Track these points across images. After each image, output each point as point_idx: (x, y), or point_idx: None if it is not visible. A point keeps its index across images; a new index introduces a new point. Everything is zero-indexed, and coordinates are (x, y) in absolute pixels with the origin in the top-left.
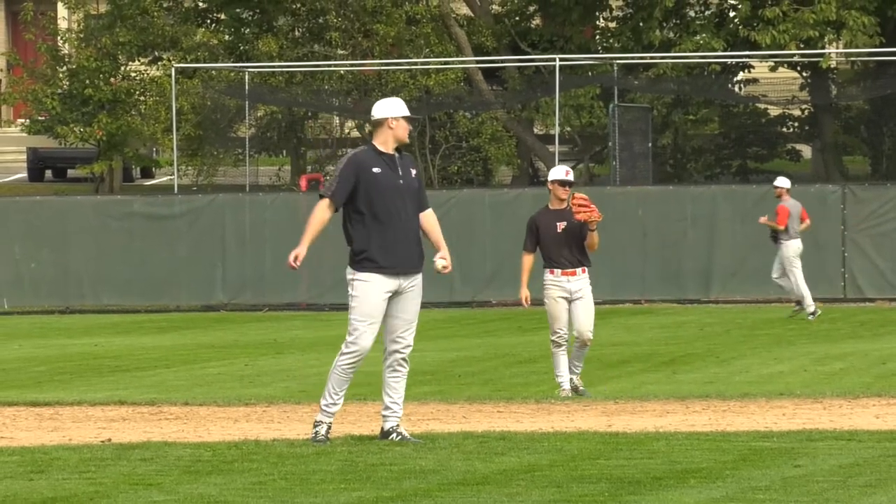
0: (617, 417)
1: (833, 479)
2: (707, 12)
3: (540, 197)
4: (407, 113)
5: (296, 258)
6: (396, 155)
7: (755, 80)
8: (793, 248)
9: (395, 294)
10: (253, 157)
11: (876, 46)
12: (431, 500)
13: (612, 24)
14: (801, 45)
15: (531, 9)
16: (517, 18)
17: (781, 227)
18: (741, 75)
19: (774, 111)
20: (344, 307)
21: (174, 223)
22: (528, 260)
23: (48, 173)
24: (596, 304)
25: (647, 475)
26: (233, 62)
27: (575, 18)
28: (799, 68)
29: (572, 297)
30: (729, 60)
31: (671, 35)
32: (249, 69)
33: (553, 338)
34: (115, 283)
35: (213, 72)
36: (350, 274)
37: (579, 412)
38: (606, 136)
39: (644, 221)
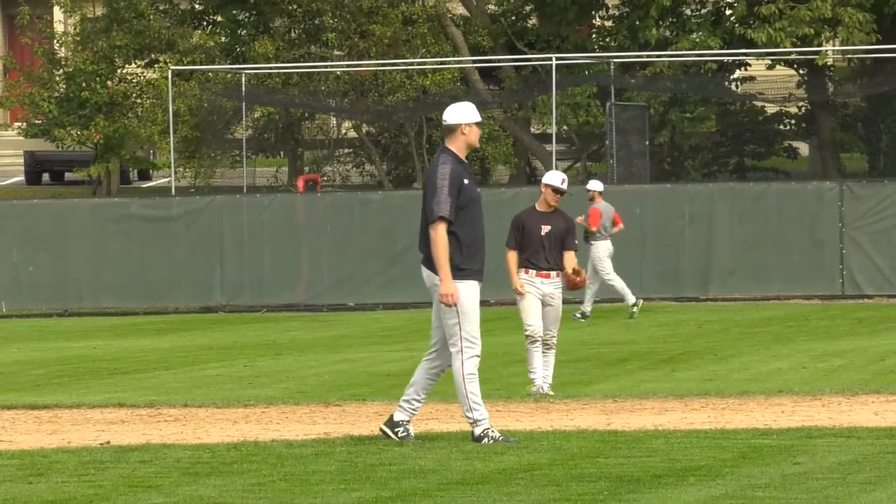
0: (616, 416)
1: (832, 477)
2: (703, 10)
3: (538, 196)
4: (479, 118)
5: (451, 296)
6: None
7: (752, 78)
8: (603, 248)
9: None
10: (250, 159)
11: (872, 43)
12: (431, 499)
13: (609, 23)
14: (798, 43)
15: (527, 8)
16: (513, 18)
17: (594, 229)
18: (738, 73)
19: (771, 109)
20: (342, 308)
21: (172, 225)
22: (512, 255)
23: (45, 176)
24: (595, 303)
25: (647, 473)
26: (229, 64)
27: (571, 17)
28: (795, 66)
29: (544, 300)
30: (725, 59)
31: (667, 33)
32: (246, 71)
33: (526, 332)
34: (114, 285)
35: (210, 74)
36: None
37: (578, 410)
38: (603, 134)
39: (642, 220)
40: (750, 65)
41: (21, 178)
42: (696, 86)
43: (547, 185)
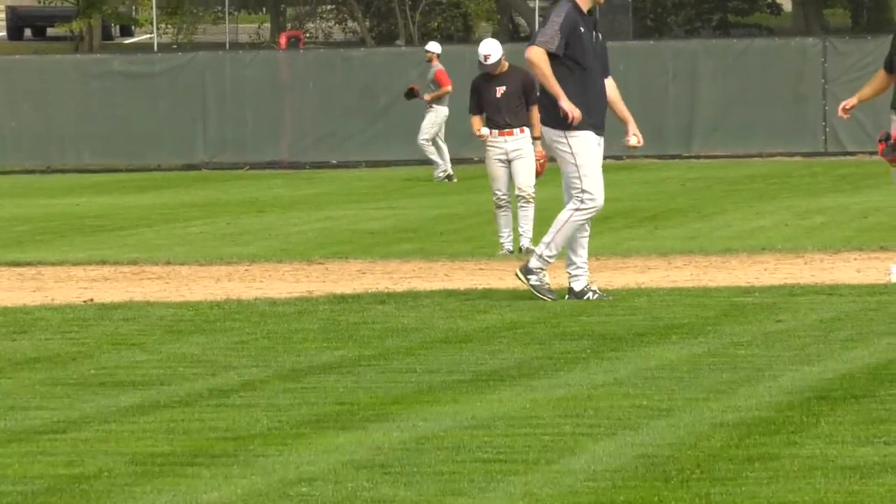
0: (599, 274)
1: (814, 334)
2: None
3: (518, 53)
4: None
5: (573, 117)
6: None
7: None
8: (443, 113)
9: None
10: (233, 15)
11: None
12: (414, 357)
13: None
14: None
15: None
16: None
17: (450, 89)
18: None
19: None
20: (325, 165)
21: (154, 82)
22: (476, 121)
23: (27, 32)
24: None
25: (629, 331)
26: None
27: None
28: None
29: (510, 156)
30: None
31: None
32: None
33: (493, 198)
34: (97, 142)
35: None
36: (563, 135)
37: (559, 269)
38: None
39: (626, 77)
40: None
41: (2, 33)
42: None
43: (479, 63)
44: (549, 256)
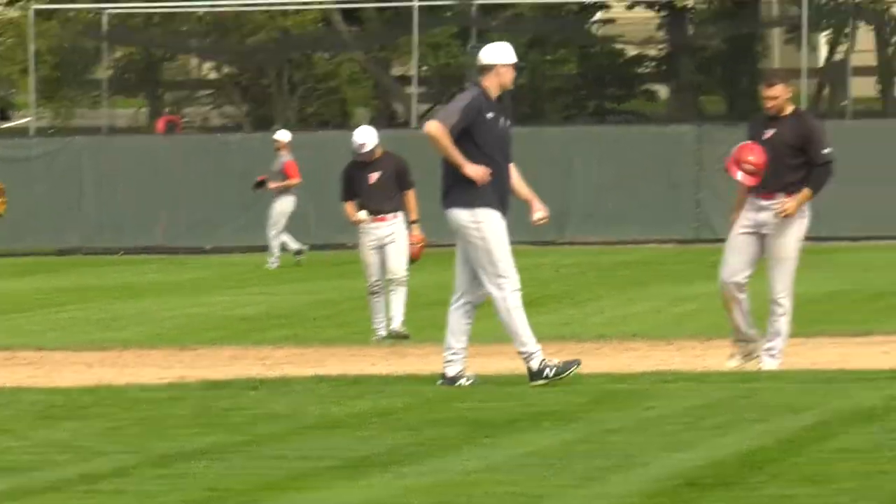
0: (473, 360)
1: (685, 421)
2: None
3: (397, 139)
4: (515, 60)
5: (481, 177)
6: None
7: (612, 21)
8: (291, 203)
9: None
10: (111, 99)
11: None
12: (285, 444)
13: None
14: None
15: None
16: None
17: (298, 181)
18: (598, 15)
19: (631, 51)
20: (200, 251)
21: (31, 166)
22: (349, 207)
23: None
24: (452, 245)
25: (502, 417)
26: (90, 3)
27: None
28: (656, 8)
29: (383, 241)
30: (586, 0)
31: None
32: (107, 10)
33: (367, 285)
34: None
35: (71, 13)
36: (471, 216)
37: (434, 355)
38: (464, 76)
39: None
40: (610, 7)
41: None
42: (557, 28)
43: (353, 150)
44: (533, 349)
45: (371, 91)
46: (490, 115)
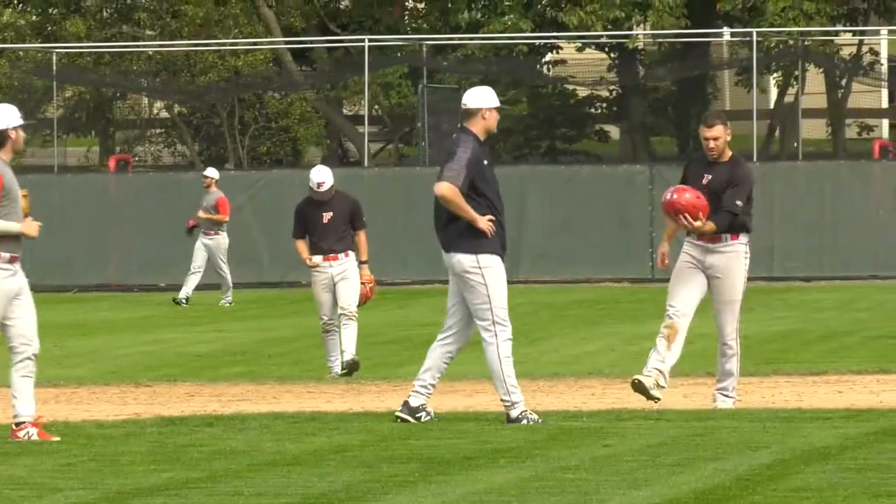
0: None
1: (641, 459)
2: None
3: (350, 177)
4: (498, 103)
5: (488, 225)
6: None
7: (563, 62)
8: (226, 241)
9: None
10: (61, 139)
11: (682, 27)
12: (241, 480)
13: (421, 5)
14: (609, 27)
15: None
16: None
17: (227, 218)
18: (549, 56)
19: (582, 92)
20: (153, 288)
21: None
22: (300, 244)
23: None
24: (406, 284)
25: (457, 455)
26: (40, 43)
27: None
28: (606, 49)
29: (335, 279)
30: (537, 42)
31: (479, 16)
32: (57, 50)
33: (320, 323)
34: None
35: (21, 52)
36: (474, 261)
37: (389, 392)
38: (415, 116)
39: None
40: (561, 48)
41: None
42: (508, 68)
43: (310, 188)
44: (517, 398)
45: (323, 130)
46: (486, 161)
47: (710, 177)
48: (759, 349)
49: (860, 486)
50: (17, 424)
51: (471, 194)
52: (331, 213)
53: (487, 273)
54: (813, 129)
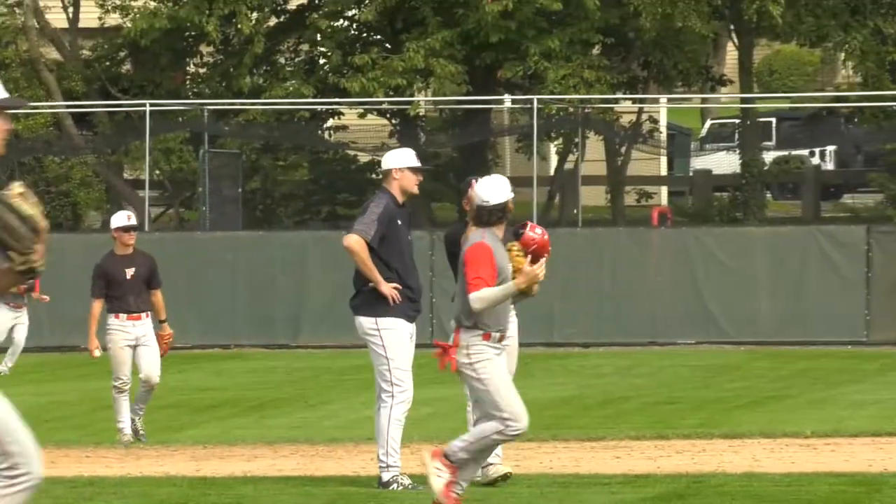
0: (206, 462)
1: None
2: (297, 59)
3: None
4: (414, 164)
5: (393, 298)
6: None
7: (345, 127)
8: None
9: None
10: None
11: (463, 94)
12: None
13: (203, 70)
14: (391, 93)
15: (122, 54)
16: (108, 63)
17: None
18: (331, 122)
19: (364, 158)
20: None
21: None
22: (97, 306)
23: None
24: (186, 348)
25: None
26: None
27: (165, 64)
28: (388, 115)
29: (138, 342)
30: (318, 107)
31: (261, 81)
32: None
33: (116, 384)
34: None
35: None
36: (373, 324)
37: (168, 457)
38: (196, 180)
39: (234, 266)
40: (343, 114)
41: None
42: (290, 133)
43: (118, 229)
44: (394, 463)
45: (104, 195)
46: (399, 222)
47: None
48: (539, 415)
49: None
50: None
51: (381, 255)
52: (133, 269)
53: (386, 335)
54: (592, 196)
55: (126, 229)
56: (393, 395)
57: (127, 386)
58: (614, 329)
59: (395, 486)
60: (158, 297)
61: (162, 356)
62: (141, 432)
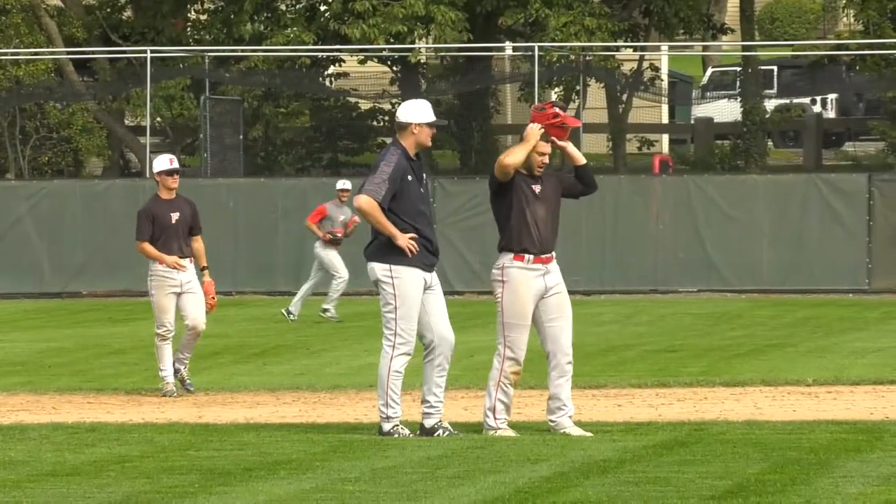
0: (207, 409)
1: (422, 471)
2: (298, 6)
3: (130, 188)
4: (433, 119)
5: (411, 242)
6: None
7: (346, 74)
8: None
9: (426, 289)
10: None
11: (464, 42)
12: (21, 491)
13: (204, 17)
14: (391, 40)
15: (122, 0)
16: (108, 10)
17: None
18: (332, 69)
19: (365, 105)
20: None
21: None
22: (148, 245)
23: None
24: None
25: (238, 466)
26: None
27: (166, 10)
28: (389, 63)
29: (183, 289)
30: (319, 54)
31: (262, 28)
32: None
33: (159, 331)
34: None
35: None
36: (386, 270)
37: (170, 403)
38: (197, 127)
39: (235, 213)
40: (344, 61)
41: None
42: (290, 81)
43: (161, 172)
44: (393, 414)
45: (104, 141)
46: (411, 177)
47: (539, 187)
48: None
49: (639, 498)
50: None
51: (394, 209)
52: (178, 214)
53: (399, 283)
54: (594, 144)
55: (170, 172)
56: (394, 346)
57: (171, 334)
58: (616, 277)
59: (395, 435)
60: (200, 243)
61: (209, 312)
62: (188, 381)
